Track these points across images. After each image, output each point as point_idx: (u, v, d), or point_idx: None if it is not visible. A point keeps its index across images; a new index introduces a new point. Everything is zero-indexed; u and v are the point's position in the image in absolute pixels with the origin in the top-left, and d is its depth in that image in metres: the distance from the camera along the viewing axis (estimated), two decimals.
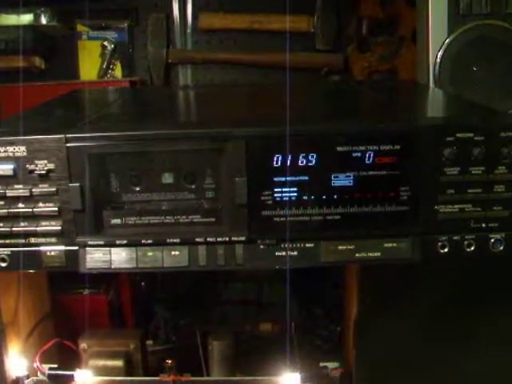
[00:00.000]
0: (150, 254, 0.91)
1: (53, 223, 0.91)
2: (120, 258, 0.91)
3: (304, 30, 1.66)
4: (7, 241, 0.92)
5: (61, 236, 0.92)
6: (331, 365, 1.13)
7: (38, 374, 1.12)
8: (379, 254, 0.93)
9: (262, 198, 0.90)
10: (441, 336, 1.10)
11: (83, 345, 1.27)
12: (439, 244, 0.94)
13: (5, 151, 0.88)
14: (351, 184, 0.91)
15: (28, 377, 1.11)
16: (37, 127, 0.94)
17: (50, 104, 1.20)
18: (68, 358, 1.27)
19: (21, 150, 0.89)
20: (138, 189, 0.90)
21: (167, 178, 0.91)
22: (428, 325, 1.10)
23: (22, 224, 0.91)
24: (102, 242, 0.91)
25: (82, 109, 1.21)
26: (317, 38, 1.66)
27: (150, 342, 1.52)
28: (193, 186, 0.90)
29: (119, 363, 1.25)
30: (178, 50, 1.71)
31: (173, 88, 1.64)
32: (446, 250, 0.94)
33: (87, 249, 0.91)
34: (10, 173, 0.88)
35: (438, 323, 1.10)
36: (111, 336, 1.29)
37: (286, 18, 1.64)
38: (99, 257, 0.92)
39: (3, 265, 0.93)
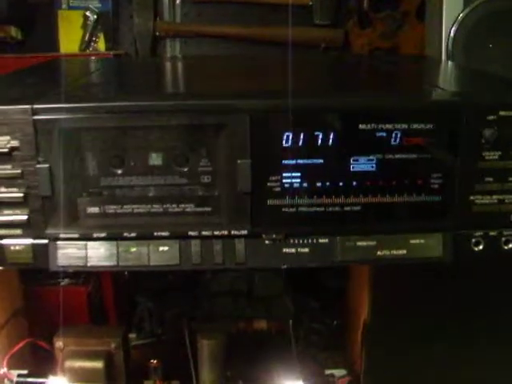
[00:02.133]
0: (133, 249, 0.72)
1: (17, 212, 0.72)
2: (98, 254, 0.72)
3: (302, 2, 1.46)
4: None
5: (27, 227, 0.73)
6: (338, 372, 0.94)
7: (5, 381, 0.92)
8: (405, 251, 0.75)
9: (269, 184, 0.71)
10: (457, 342, 0.91)
11: (59, 343, 1.07)
12: (473, 241, 0.75)
13: None
14: (374, 169, 0.73)
15: None
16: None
17: (21, 73, 0.99)
18: (43, 358, 1.06)
19: None
20: (119, 171, 0.71)
21: (155, 159, 0.72)
22: (444, 330, 0.90)
23: None
24: (76, 235, 0.72)
25: (57, 78, 1.00)
26: (315, 12, 1.47)
27: (133, 336, 1.32)
28: (185, 169, 0.71)
29: (99, 365, 1.05)
30: (167, 22, 1.50)
31: (161, 59, 1.42)
32: (480, 247, 0.77)
33: (59, 243, 0.72)
34: None
35: (455, 328, 0.90)
36: (90, 333, 1.09)
37: None
38: (73, 252, 0.72)
39: None
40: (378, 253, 0.75)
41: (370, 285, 0.89)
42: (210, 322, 1.23)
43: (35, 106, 0.69)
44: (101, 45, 1.52)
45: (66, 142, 0.70)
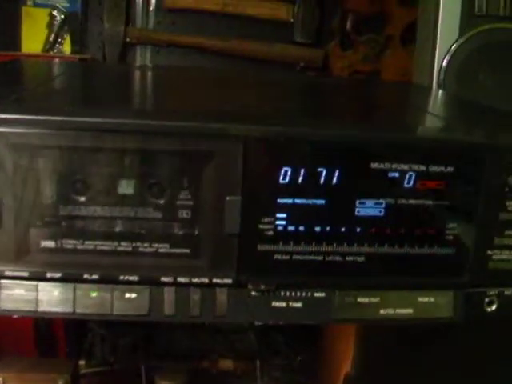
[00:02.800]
0: (93, 294, 0.57)
1: None
2: (51, 297, 0.57)
3: (282, 18, 1.33)
4: None
5: None
6: None
7: None
8: (411, 310, 0.62)
9: (261, 226, 0.57)
10: None
11: None
12: (486, 300, 0.62)
13: None
14: (381, 214, 0.60)
15: None
16: None
17: None
18: None
19: None
20: (82, 199, 0.56)
21: (125, 188, 0.57)
22: None
23: None
24: (25, 274, 0.57)
25: (13, 83, 0.83)
26: (296, 30, 1.33)
27: (82, 363, 1.15)
28: (161, 201, 0.57)
29: None
30: (138, 28, 1.34)
31: (134, 68, 1.26)
32: (493, 307, 0.66)
33: (3, 281, 0.58)
34: None
35: None
36: (35, 367, 0.93)
37: (264, 3, 1.28)
38: (20, 294, 0.57)
39: None
40: (381, 311, 0.62)
41: (356, 337, 0.75)
42: (170, 357, 1.07)
43: None
44: (66, 47, 1.35)
45: (19, 160, 0.55)
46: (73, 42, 1.35)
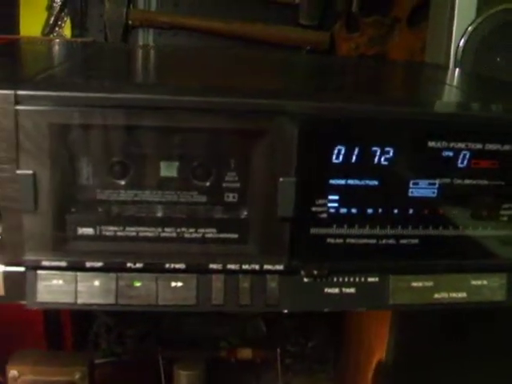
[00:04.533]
0: (137, 284, 0.52)
1: None
2: (91, 288, 0.52)
3: (287, 0, 1.26)
4: None
5: None
6: None
7: None
8: (465, 294, 0.57)
9: (314, 208, 0.51)
10: None
11: (13, 372, 0.85)
12: None
13: None
14: (435, 195, 0.54)
15: None
16: None
17: None
18: None
19: None
20: (122, 183, 0.51)
21: (168, 170, 0.52)
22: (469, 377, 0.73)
23: None
24: (63, 264, 0.51)
25: (30, 61, 0.77)
26: (301, 12, 1.27)
27: (81, 351, 1.10)
28: (207, 184, 0.52)
29: None
30: (141, 10, 1.28)
31: (147, 47, 1.20)
32: None
33: (40, 272, 0.52)
34: None
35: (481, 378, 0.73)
36: (51, 360, 0.88)
37: None
38: (58, 286, 0.52)
39: None
40: (435, 295, 0.58)
41: (392, 321, 0.71)
42: (186, 347, 1.03)
43: (20, 93, 0.49)
44: (67, 30, 1.29)
45: (57, 141, 0.50)
46: (73, 26, 1.28)
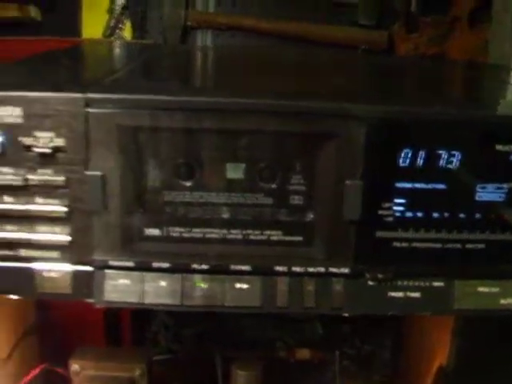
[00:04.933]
0: (202, 285, 0.52)
1: (56, 230, 0.52)
2: (157, 289, 0.52)
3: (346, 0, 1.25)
4: None
5: (67, 250, 0.53)
6: None
7: None
8: None
9: (380, 211, 0.50)
10: None
11: (75, 367, 0.86)
12: None
13: None
14: (502, 199, 0.54)
15: None
16: (39, 81, 0.52)
17: (52, 55, 0.77)
18: (55, 381, 0.85)
19: (14, 114, 0.48)
20: (188, 184, 0.50)
21: (234, 172, 0.52)
22: None
23: (9, 228, 0.50)
24: (130, 264, 0.52)
25: (95, 63, 0.78)
26: (360, 11, 1.25)
27: (140, 348, 1.11)
28: (273, 186, 0.51)
29: None
30: (199, 11, 1.28)
31: (208, 49, 1.20)
32: None
33: (107, 272, 0.52)
34: None
35: None
36: (111, 356, 0.89)
37: None
38: (125, 285, 0.52)
39: None
40: (502, 301, 0.57)
41: (455, 327, 0.69)
42: (244, 347, 1.03)
43: (89, 96, 0.49)
44: (127, 32, 1.30)
45: (125, 143, 0.50)
46: (134, 28, 1.30)
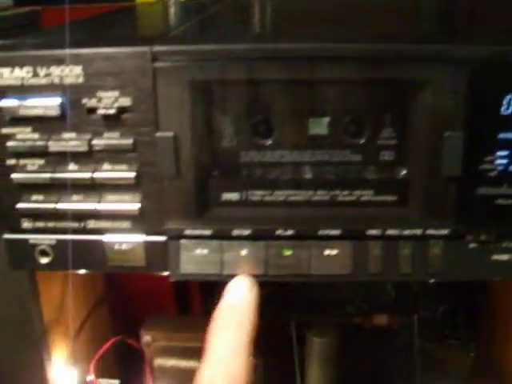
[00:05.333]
0: (287, 253, 0.46)
1: (126, 198, 0.47)
2: (238, 258, 0.46)
3: None
4: (50, 224, 0.46)
5: (139, 219, 0.50)
6: None
7: None
8: None
9: (482, 166, 0.43)
10: None
11: (146, 337, 0.82)
12: None
13: (46, 74, 0.42)
14: None
15: None
16: (101, 37, 0.47)
17: (108, 16, 0.72)
18: (127, 353, 0.82)
19: (74, 73, 0.44)
20: (267, 143, 0.44)
21: (317, 127, 0.45)
22: None
23: (75, 198, 0.45)
24: (207, 232, 0.46)
25: (154, 22, 0.73)
26: None
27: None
28: (361, 141, 0.44)
29: (195, 365, 0.79)
30: None
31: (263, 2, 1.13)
32: None
33: (182, 242, 0.47)
34: (55, 112, 0.43)
35: None
36: (183, 326, 0.84)
37: None
38: (203, 255, 0.47)
39: (44, 261, 0.48)
40: None
41: None
42: (318, 312, 0.97)
43: (156, 49, 0.43)
44: None
45: (197, 100, 0.45)
46: None
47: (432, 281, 0.49)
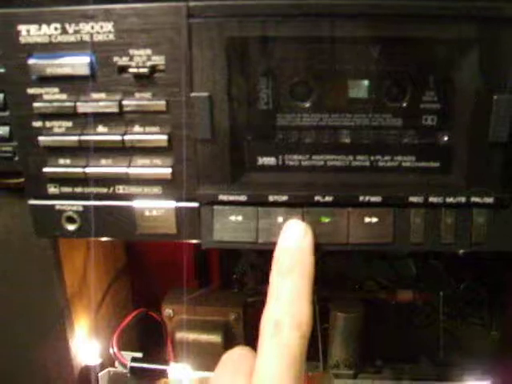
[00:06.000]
0: (326, 220, 0.44)
1: (157, 162, 0.44)
2: (274, 226, 0.44)
3: None
4: (78, 189, 0.44)
5: (170, 184, 0.47)
6: None
7: (116, 363, 0.66)
8: None
9: None
10: None
11: (168, 311, 0.81)
12: None
13: (75, 31, 0.39)
14: None
15: (102, 366, 0.64)
16: None
17: None
18: (148, 325, 0.80)
19: (104, 31, 0.40)
20: (306, 105, 0.41)
21: (357, 90, 0.42)
22: None
23: (104, 162, 0.42)
24: (243, 197, 0.44)
25: None
26: None
27: (234, 291, 1.05)
28: (402, 105, 0.41)
29: (216, 338, 0.78)
30: None
31: None
32: None
33: (216, 208, 0.44)
34: (85, 71, 0.40)
35: None
36: (204, 300, 0.82)
37: None
38: (237, 222, 0.44)
39: (71, 228, 0.46)
40: None
41: None
42: (342, 286, 0.95)
43: (192, 4, 0.40)
44: None
45: (234, 59, 0.42)
46: None
47: (475, 250, 0.46)
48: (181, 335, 0.81)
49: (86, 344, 0.67)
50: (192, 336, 0.82)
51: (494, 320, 0.95)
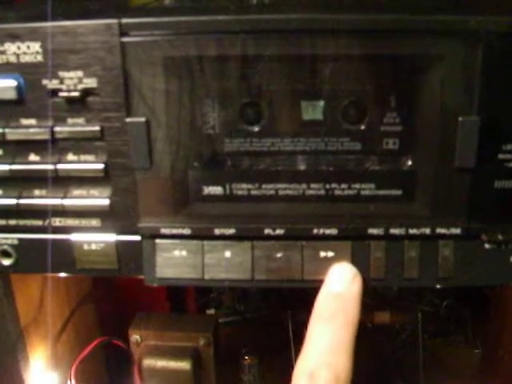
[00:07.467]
0: (278, 255, 0.39)
1: (94, 192, 0.39)
2: (220, 261, 0.40)
3: None
4: (12, 221, 0.39)
5: (109, 216, 0.42)
6: None
7: None
8: None
9: (500, 156, 0.36)
10: None
11: (135, 336, 0.75)
12: None
13: (1, 52, 0.34)
14: None
15: None
16: (60, 11, 0.40)
17: None
18: (114, 354, 0.75)
19: (31, 51, 0.36)
20: (255, 129, 0.37)
21: (311, 111, 0.38)
22: None
23: (38, 193, 0.38)
24: (186, 231, 0.39)
25: None
26: None
27: (210, 312, 1.00)
28: (361, 127, 0.37)
29: (185, 366, 0.73)
30: None
31: None
32: None
33: (158, 242, 0.39)
34: (12, 95, 0.36)
35: None
36: (173, 324, 0.78)
37: None
38: (182, 258, 0.40)
39: (6, 262, 0.41)
40: None
41: None
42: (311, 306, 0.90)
43: (125, 21, 0.36)
44: None
45: (173, 80, 0.37)
46: None
47: (441, 285, 0.41)
48: (148, 362, 0.76)
49: (42, 377, 0.62)
50: (160, 363, 0.77)
51: (477, 338, 0.91)
